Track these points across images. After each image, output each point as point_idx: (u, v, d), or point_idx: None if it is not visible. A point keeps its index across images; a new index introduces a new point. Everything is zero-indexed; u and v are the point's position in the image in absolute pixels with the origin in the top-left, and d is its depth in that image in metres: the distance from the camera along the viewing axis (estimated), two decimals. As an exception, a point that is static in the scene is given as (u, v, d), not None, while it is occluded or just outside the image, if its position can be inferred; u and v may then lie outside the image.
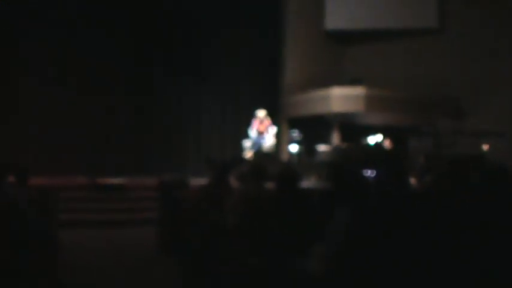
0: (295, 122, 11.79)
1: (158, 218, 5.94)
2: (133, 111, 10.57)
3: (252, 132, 10.17)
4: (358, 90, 10.57)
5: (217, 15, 11.40)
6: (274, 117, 11.67)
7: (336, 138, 11.11)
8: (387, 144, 10.73)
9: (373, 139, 10.81)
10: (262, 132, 10.10)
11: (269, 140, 10.27)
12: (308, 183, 9.85)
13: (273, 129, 10.42)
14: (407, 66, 11.91)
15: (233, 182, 4.83)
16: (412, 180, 7.39)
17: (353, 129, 11.46)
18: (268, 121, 10.19)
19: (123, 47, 10.43)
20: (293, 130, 11.37)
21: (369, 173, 9.41)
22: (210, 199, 3.96)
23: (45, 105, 9.60)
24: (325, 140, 10.97)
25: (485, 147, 9.95)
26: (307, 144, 11.08)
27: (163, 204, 5.79)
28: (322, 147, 10.40)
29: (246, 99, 11.76)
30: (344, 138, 11.15)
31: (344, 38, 13.07)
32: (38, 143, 9.45)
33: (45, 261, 3.94)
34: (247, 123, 10.73)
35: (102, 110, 10.22)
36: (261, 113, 10.13)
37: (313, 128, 11.69)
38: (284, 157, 11.38)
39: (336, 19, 12.63)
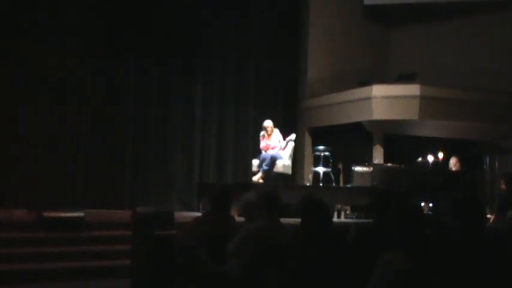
0: (321, 133, 11.85)
1: (132, 265, 5.97)
2: (97, 117, 10.39)
3: (261, 149, 10.24)
4: (409, 90, 10.63)
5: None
6: (293, 126, 11.75)
7: (378, 155, 11.13)
8: (452, 164, 10.75)
9: (432, 158, 10.81)
10: (272, 148, 10.15)
11: (284, 158, 10.31)
12: (340, 217, 9.88)
13: (290, 144, 10.47)
14: (478, 55, 11.87)
15: (236, 215, 4.87)
16: (490, 216, 7.40)
17: (403, 143, 11.49)
18: (278, 133, 10.23)
19: (80, 41, 10.26)
20: (318, 144, 11.40)
21: (426, 204, 9.44)
22: (205, 238, 3.99)
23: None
24: (364, 159, 10.99)
25: None
26: (338, 164, 11.10)
27: (138, 246, 5.82)
28: (359, 168, 10.42)
29: (254, 103, 11.82)
30: (390, 155, 11.17)
31: (389, 18, 13.18)
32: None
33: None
34: (255, 137, 10.80)
35: (51, 115, 10.02)
36: (268, 123, 10.20)
37: (346, 141, 11.72)
38: (306, 181, 11.40)
39: (377, -9, 12.76)
